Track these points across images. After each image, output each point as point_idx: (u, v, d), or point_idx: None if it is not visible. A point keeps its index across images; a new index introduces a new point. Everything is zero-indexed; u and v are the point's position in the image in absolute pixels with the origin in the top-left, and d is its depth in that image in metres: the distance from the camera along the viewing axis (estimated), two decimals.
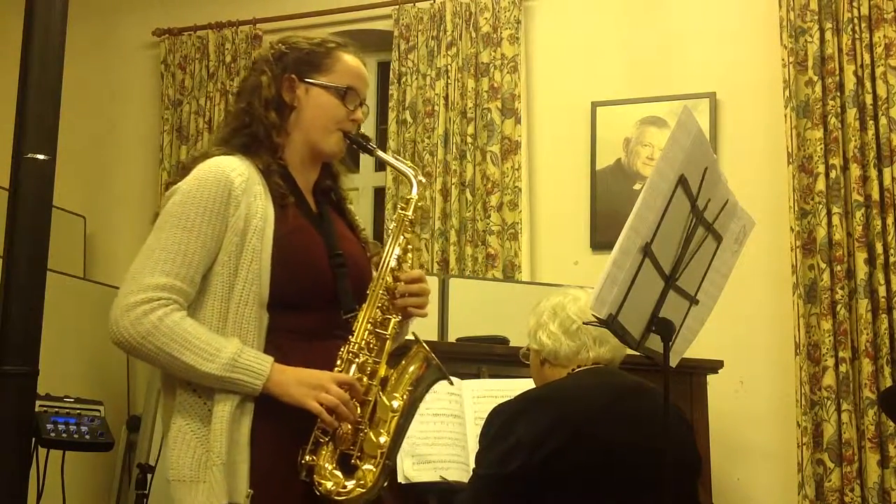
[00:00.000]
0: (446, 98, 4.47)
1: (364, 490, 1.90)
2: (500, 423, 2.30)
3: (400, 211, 2.10)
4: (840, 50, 3.93)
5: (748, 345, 3.98)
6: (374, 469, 1.92)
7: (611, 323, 1.86)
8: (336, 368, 1.95)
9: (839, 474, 3.69)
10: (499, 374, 3.03)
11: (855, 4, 3.92)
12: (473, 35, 4.50)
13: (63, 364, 3.80)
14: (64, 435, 2.87)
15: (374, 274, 2.05)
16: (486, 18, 4.47)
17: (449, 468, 2.76)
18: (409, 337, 2.11)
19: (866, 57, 3.88)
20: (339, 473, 1.90)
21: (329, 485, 1.88)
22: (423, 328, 3.53)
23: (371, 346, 1.98)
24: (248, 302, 1.91)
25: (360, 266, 2.09)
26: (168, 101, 4.97)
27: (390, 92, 4.62)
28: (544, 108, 4.48)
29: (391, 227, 2.10)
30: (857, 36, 3.90)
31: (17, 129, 2.58)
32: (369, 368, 1.97)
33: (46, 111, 2.60)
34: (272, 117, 2.05)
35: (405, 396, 1.99)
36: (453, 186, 4.37)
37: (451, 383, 2.11)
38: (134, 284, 1.89)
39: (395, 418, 1.96)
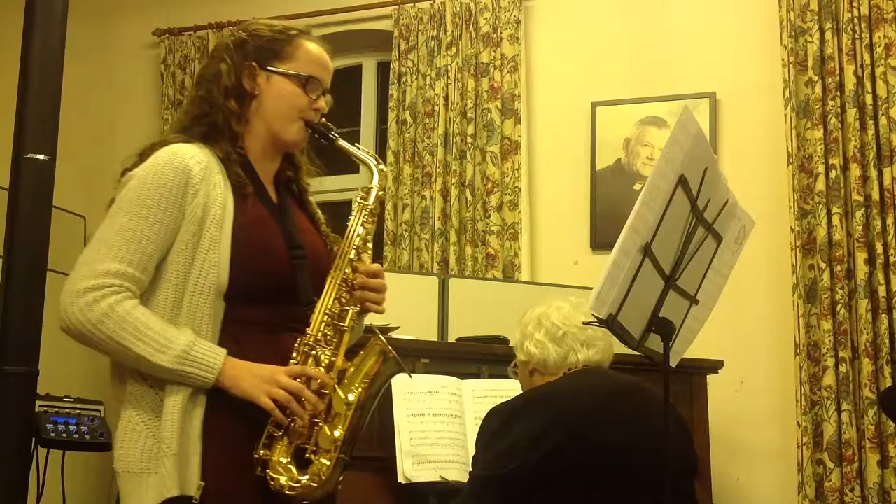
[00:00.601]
0: (446, 98, 4.47)
1: (317, 484, 1.88)
2: (497, 424, 2.30)
3: (360, 200, 2.06)
4: (840, 50, 3.93)
5: (748, 345, 3.98)
6: (329, 463, 1.89)
7: (610, 323, 1.86)
8: (292, 361, 1.92)
9: (839, 474, 3.69)
10: (499, 374, 3.03)
11: (855, 4, 3.92)
12: (473, 35, 4.50)
13: (63, 364, 3.80)
14: (64, 435, 2.87)
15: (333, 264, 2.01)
16: (486, 18, 4.47)
17: (449, 468, 2.77)
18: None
19: (866, 57, 3.88)
20: (293, 468, 1.87)
21: (282, 479, 1.86)
22: (424, 328, 3.57)
23: (328, 338, 1.95)
24: (202, 291, 1.88)
25: (320, 259, 2.05)
26: (168, 101, 4.97)
27: (390, 92, 4.62)
28: (544, 108, 4.48)
29: (350, 216, 2.06)
30: (857, 36, 3.90)
31: (17, 129, 2.58)
32: (326, 361, 1.93)
33: (46, 111, 2.60)
34: (232, 105, 2.01)
35: (361, 390, 1.95)
36: (453, 186, 4.37)
37: (410, 376, 2.08)
38: (86, 270, 1.86)
39: (351, 412, 1.93)
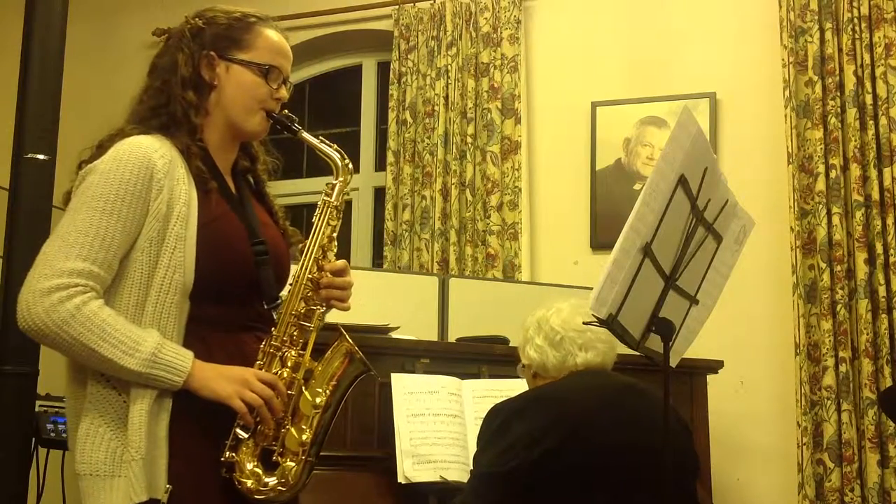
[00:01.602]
0: (446, 98, 4.47)
1: (285, 487, 1.87)
2: (498, 422, 2.31)
3: (324, 197, 2.01)
4: (840, 50, 3.93)
5: (748, 345, 3.98)
6: (296, 466, 1.88)
7: (610, 323, 1.86)
8: (258, 363, 1.89)
9: (839, 474, 3.69)
10: (499, 374, 3.03)
11: (855, 4, 3.92)
12: (473, 35, 4.50)
13: (63, 364, 3.80)
14: (64, 435, 2.87)
15: (297, 263, 1.97)
16: (486, 18, 4.47)
17: (449, 468, 2.77)
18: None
19: (866, 57, 3.88)
20: (259, 471, 1.86)
21: (249, 483, 1.85)
22: (424, 328, 3.57)
23: (294, 338, 1.93)
24: (169, 290, 1.82)
25: (280, 254, 2.02)
26: None
27: (390, 92, 4.62)
28: (544, 108, 4.48)
29: (315, 214, 2.01)
30: (857, 36, 3.90)
31: (17, 129, 2.58)
32: (292, 362, 1.91)
33: (46, 111, 2.61)
34: (190, 97, 1.95)
35: (328, 392, 1.93)
36: (453, 186, 4.37)
37: (377, 378, 2.05)
38: (48, 268, 1.78)
39: (318, 414, 1.91)
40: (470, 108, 4.43)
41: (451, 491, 2.67)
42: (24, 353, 2.52)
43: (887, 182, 3.79)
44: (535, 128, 4.47)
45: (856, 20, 3.91)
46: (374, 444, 2.85)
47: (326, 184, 2.03)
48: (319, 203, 2.01)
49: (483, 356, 3.16)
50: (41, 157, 2.57)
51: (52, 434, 2.83)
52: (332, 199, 2.00)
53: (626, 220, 1.87)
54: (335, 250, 2.01)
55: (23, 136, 2.57)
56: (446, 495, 2.69)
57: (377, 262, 4.69)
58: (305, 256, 1.96)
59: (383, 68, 4.91)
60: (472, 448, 2.51)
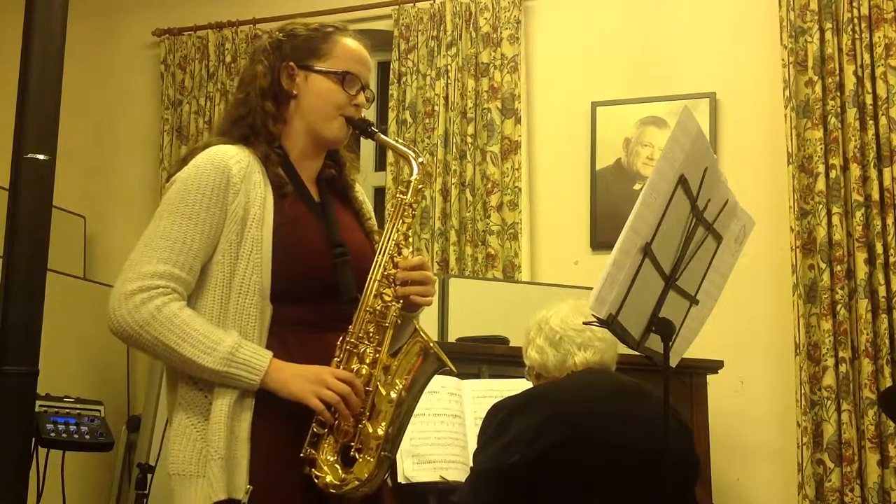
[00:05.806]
0: (446, 98, 4.47)
1: (359, 482, 1.88)
2: (498, 419, 2.32)
3: (399, 195, 2.04)
4: (840, 50, 3.93)
5: (748, 345, 3.98)
6: (373, 461, 1.89)
7: (610, 323, 1.87)
8: (335, 360, 1.92)
9: (839, 474, 3.69)
10: (499, 374, 3.03)
11: (855, 4, 3.92)
12: (473, 35, 4.50)
13: (63, 364, 3.80)
14: (64, 435, 2.87)
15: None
16: (486, 18, 4.47)
17: (449, 468, 2.77)
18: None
19: (866, 57, 3.88)
20: (338, 466, 1.88)
21: (328, 478, 1.87)
22: (424, 328, 3.56)
23: (371, 335, 1.95)
24: (248, 292, 1.89)
25: (364, 255, 2.04)
26: (168, 101, 4.97)
27: (390, 92, 4.62)
28: (544, 108, 4.48)
29: (389, 212, 2.05)
30: (857, 36, 3.90)
31: (17, 129, 2.58)
32: (369, 358, 1.93)
33: (46, 111, 2.61)
34: (268, 107, 2.02)
35: (405, 387, 1.94)
36: (453, 186, 4.37)
37: (454, 371, 2.06)
38: (132, 272, 1.87)
39: (395, 410, 1.92)
40: (470, 108, 4.43)
41: (451, 491, 2.67)
42: (24, 353, 2.52)
43: (887, 182, 3.79)
44: (535, 128, 4.47)
45: (856, 20, 3.91)
46: None
47: (401, 181, 2.07)
48: (394, 201, 2.04)
49: (483, 356, 3.16)
50: (41, 157, 2.57)
51: (52, 434, 2.83)
52: (407, 197, 2.03)
53: (626, 220, 1.87)
54: (411, 248, 2.06)
55: (23, 136, 2.57)
56: (446, 495, 2.70)
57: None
58: (378, 254, 1.99)
59: (383, 68, 4.90)
60: (472, 448, 2.52)
